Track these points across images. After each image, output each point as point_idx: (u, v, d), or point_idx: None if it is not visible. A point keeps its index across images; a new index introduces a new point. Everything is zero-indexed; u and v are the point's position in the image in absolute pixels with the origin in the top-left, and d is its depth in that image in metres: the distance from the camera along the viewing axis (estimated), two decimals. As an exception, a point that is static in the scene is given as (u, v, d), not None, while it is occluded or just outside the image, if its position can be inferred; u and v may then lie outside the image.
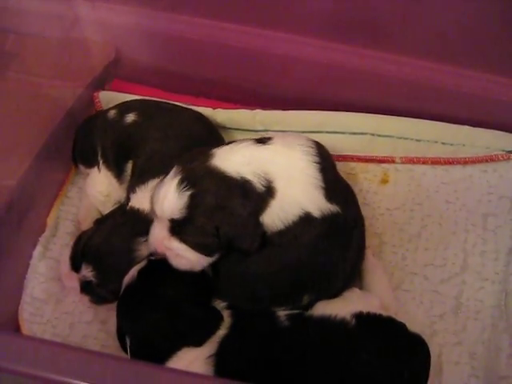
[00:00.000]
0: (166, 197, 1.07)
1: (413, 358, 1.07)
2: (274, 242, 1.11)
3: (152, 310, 1.08)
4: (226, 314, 1.11)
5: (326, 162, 1.16)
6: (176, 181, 1.07)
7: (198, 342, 1.05)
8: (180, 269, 1.10)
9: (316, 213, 1.10)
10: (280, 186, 1.09)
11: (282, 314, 1.10)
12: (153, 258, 1.14)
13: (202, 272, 1.13)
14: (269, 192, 1.09)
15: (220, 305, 1.14)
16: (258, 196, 1.08)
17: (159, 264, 1.12)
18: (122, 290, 1.12)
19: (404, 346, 1.08)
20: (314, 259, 1.12)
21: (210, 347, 1.05)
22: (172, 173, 1.08)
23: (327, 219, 1.11)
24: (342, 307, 1.09)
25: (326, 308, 1.10)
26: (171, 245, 1.09)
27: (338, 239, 1.13)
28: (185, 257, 1.09)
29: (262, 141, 1.14)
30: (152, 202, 1.11)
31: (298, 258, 1.12)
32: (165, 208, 1.07)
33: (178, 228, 1.08)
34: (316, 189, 1.11)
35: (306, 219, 1.10)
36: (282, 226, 1.11)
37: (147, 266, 1.13)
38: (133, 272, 1.12)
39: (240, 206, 1.07)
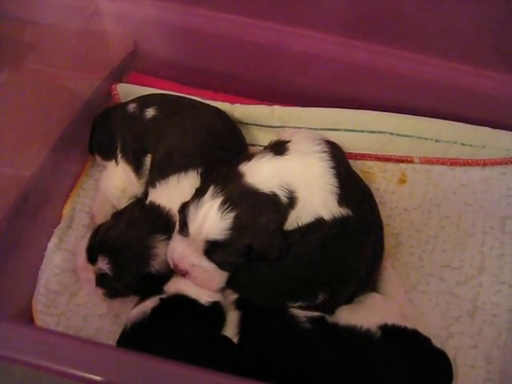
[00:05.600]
0: (208, 218, 1.07)
1: (437, 374, 1.07)
2: None
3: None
4: (235, 315, 1.12)
5: (341, 165, 1.18)
6: (218, 202, 1.07)
7: None
8: (199, 286, 1.12)
9: (327, 216, 1.12)
10: (301, 196, 1.12)
11: (301, 314, 1.10)
12: (163, 296, 1.12)
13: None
14: (291, 203, 1.11)
15: (229, 300, 1.14)
16: (283, 208, 1.11)
17: (171, 303, 1.11)
18: (130, 324, 1.10)
19: (429, 362, 1.08)
20: (324, 258, 1.13)
21: None
22: (210, 193, 1.09)
23: (337, 222, 1.12)
24: (367, 317, 1.09)
25: (351, 317, 1.10)
26: (200, 263, 1.10)
27: (349, 240, 1.14)
28: (208, 275, 1.11)
29: (280, 151, 1.16)
30: (184, 221, 1.10)
31: (307, 255, 1.13)
32: (205, 229, 1.07)
33: (212, 248, 1.08)
34: (331, 194, 1.13)
35: (316, 222, 1.13)
36: (292, 227, 1.13)
37: (160, 305, 1.10)
38: (142, 309, 1.10)
39: (271, 221, 1.09)
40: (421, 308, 1.23)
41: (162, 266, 1.16)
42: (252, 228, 1.07)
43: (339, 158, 1.19)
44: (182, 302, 1.11)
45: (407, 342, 1.08)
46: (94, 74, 1.48)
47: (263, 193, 1.09)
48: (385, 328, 1.07)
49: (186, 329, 1.07)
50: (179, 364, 0.86)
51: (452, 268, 1.27)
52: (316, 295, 1.12)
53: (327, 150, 1.17)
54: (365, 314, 1.11)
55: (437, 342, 1.16)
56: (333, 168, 1.15)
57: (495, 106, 1.36)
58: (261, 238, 1.08)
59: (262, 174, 1.11)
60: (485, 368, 1.17)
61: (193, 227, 1.08)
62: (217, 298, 1.13)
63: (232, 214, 1.06)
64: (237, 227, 1.06)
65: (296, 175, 1.12)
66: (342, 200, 1.13)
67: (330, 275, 1.13)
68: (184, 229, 1.10)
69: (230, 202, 1.07)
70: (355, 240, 1.15)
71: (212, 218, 1.06)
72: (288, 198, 1.11)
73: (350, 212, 1.13)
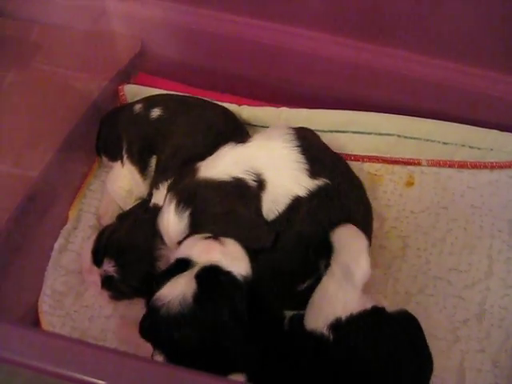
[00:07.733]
0: (169, 224, 1.08)
1: (404, 337, 1.04)
2: None
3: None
4: None
5: (307, 140, 1.16)
6: (173, 206, 1.07)
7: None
8: None
9: (302, 193, 1.11)
10: (269, 178, 1.10)
11: (288, 314, 1.08)
12: (197, 270, 1.00)
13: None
14: (260, 186, 1.10)
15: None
16: (253, 192, 1.09)
17: (206, 279, 1.00)
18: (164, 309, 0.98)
19: (390, 332, 1.03)
20: (315, 231, 1.10)
21: None
22: (167, 200, 1.09)
23: (315, 194, 1.11)
24: (318, 317, 1.02)
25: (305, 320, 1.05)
26: None
27: (332, 206, 1.12)
28: None
29: (243, 140, 1.15)
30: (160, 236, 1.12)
31: (298, 235, 1.11)
32: (171, 235, 1.08)
33: None
34: (301, 172, 1.11)
35: (295, 201, 1.11)
36: (274, 216, 1.11)
37: (199, 289, 0.98)
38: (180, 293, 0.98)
39: (242, 206, 1.08)
40: (428, 311, 1.22)
41: (168, 268, 1.15)
42: (221, 217, 1.06)
43: (306, 135, 1.18)
44: (217, 275, 1.00)
45: (362, 327, 1.01)
46: (101, 74, 1.48)
47: (222, 181, 1.08)
48: (336, 326, 1.00)
49: (224, 310, 0.97)
50: (183, 369, 0.86)
51: (459, 271, 1.26)
52: (318, 266, 1.10)
53: (291, 132, 1.16)
54: (314, 314, 1.04)
55: (443, 346, 1.17)
56: (298, 146, 1.13)
57: (504, 109, 1.35)
58: (235, 225, 1.07)
59: (220, 164, 1.10)
60: (492, 372, 1.16)
61: (165, 238, 1.10)
62: (249, 271, 1.03)
63: (188, 212, 1.06)
64: (196, 223, 1.05)
65: (260, 159, 1.11)
66: (314, 173, 1.11)
67: (325, 244, 1.09)
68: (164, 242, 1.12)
69: (184, 201, 1.06)
70: (339, 205, 1.12)
71: (172, 224, 1.07)
72: (256, 181, 1.09)
73: (326, 180, 1.12)
